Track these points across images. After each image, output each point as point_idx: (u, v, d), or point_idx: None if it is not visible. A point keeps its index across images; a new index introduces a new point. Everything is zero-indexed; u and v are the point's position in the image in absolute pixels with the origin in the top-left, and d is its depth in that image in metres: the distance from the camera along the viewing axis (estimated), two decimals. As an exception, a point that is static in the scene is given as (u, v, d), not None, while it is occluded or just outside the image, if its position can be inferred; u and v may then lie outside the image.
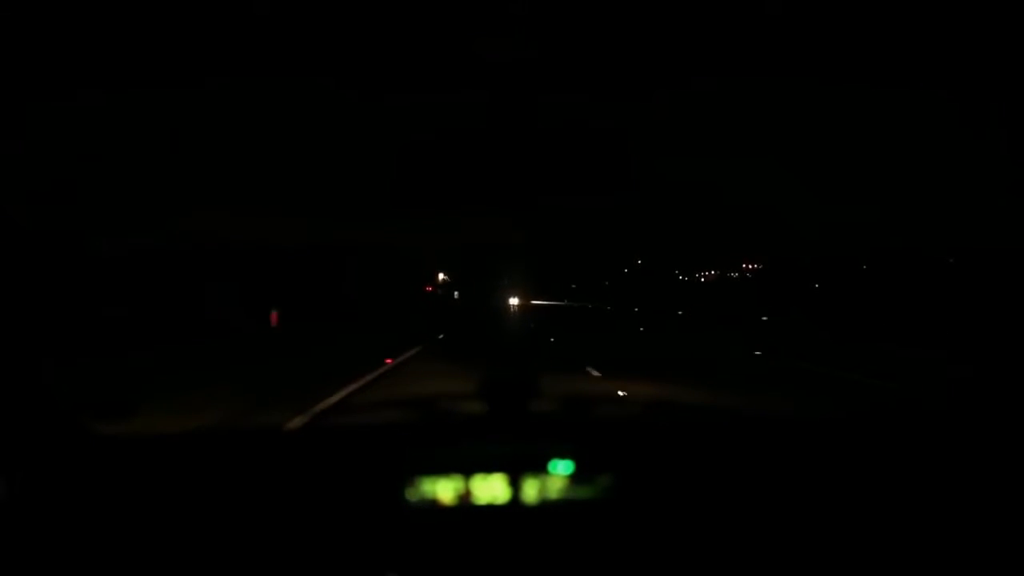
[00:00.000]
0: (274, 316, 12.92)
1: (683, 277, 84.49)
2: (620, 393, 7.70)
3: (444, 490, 1.12)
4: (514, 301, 61.27)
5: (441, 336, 18.47)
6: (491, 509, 1.10)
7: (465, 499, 1.11)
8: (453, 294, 52.61)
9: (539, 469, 1.16)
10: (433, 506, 1.11)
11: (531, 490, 1.13)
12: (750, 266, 69.79)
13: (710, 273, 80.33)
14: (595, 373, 10.17)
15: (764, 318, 29.86)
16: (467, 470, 1.14)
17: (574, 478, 1.17)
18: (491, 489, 1.12)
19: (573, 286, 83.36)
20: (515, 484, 1.13)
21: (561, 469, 1.18)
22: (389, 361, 11.64)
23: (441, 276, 48.44)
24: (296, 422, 5.55)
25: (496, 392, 1.49)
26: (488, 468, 1.14)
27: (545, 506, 1.12)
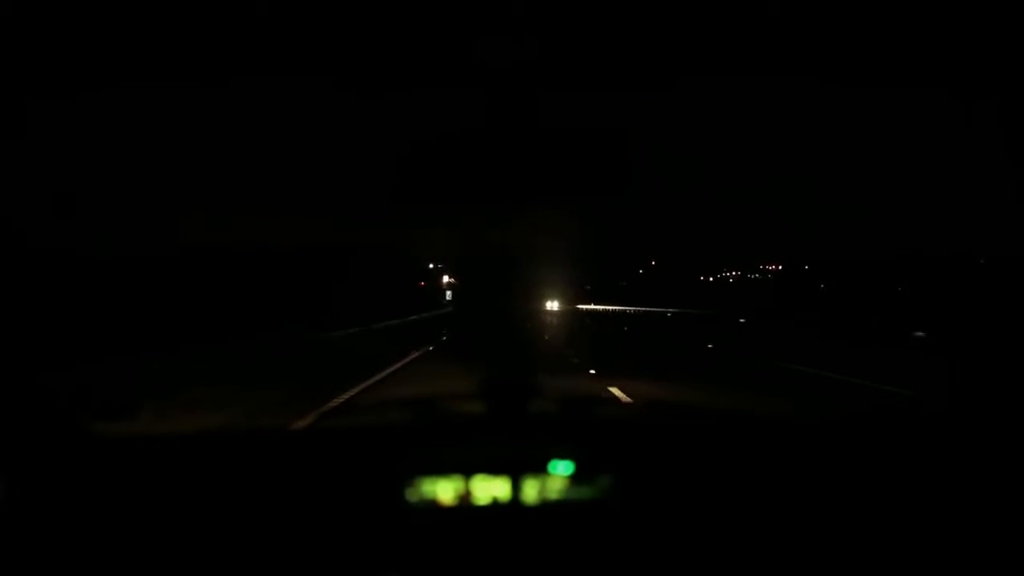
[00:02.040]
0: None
1: (708, 278, 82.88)
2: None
3: (444, 490, 1.12)
4: (552, 306, 51.71)
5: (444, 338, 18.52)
6: (491, 509, 1.10)
7: (465, 499, 1.11)
8: (446, 295, 49.09)
9: (539, 470, 1.16)
10: (433, 506, 1.11)
11: (531, 491, 1.13)
12: (771, 267, 69.15)
13: (737, 273, 79.28)
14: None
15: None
16: (467, 471, 1.13)
17: (574, 479, 1.17)
18: (491, 489, 1.12)
19: (587, 287, 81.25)
20: (515, 485, 1.12)
21: (561, 470, 1.17)
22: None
23: (445, 278, 47.65)
24: (298, 423, 5.55)
25: (496, 392, 1.49)
26: (488, 469, 1.14)
27: (545, 507, 1.12)
